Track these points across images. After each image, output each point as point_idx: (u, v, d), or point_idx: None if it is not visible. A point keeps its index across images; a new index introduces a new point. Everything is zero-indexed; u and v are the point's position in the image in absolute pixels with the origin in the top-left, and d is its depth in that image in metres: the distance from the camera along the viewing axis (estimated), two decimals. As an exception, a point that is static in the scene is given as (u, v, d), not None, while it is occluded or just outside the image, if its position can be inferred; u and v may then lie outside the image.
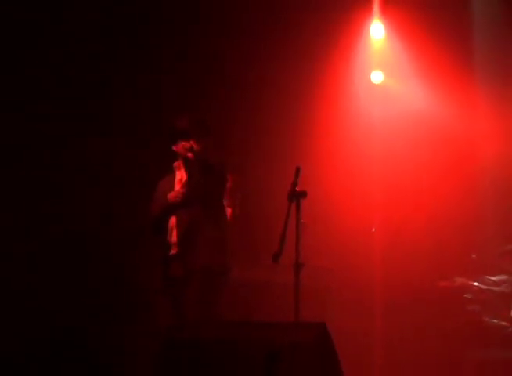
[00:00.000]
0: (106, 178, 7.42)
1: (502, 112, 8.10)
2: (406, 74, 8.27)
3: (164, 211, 5.59)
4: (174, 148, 5.64)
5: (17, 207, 7.09)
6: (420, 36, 7.95)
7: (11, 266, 6.85)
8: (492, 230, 7.92)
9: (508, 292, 7.45)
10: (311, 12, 7.87)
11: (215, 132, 5.87)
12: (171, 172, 5.78)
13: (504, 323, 7.39)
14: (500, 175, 8.01)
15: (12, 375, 5.98)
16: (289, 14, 7.89)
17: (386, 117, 8.17)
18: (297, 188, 5.08)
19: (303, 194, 5.07)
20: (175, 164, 5.72)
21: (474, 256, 7.68)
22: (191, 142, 5.54)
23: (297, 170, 5.11)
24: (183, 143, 5.56)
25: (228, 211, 6.49)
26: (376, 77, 8.25)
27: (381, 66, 8.24)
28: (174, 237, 5.56)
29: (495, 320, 7.44)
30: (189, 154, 5.54)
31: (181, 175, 5.68)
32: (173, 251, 5.56)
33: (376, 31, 8.24)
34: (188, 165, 5.57)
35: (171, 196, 5.57)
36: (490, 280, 7.57)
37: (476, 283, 7.55)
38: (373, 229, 7.93)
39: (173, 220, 5.57)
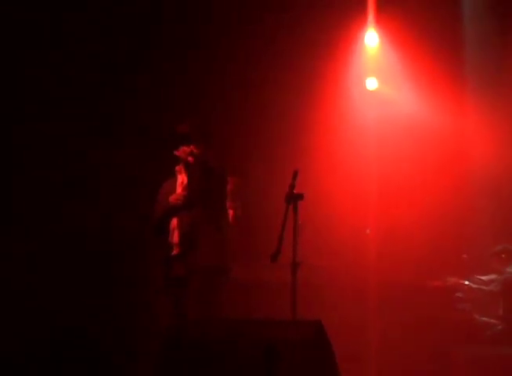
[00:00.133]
0: (105, 178, 7.35)
1: (490, 116, 8.13)
2: (399, 81, 8.29)
3: (166, 213, 5.59)
4: (175, 152, 5.65)
5: (17, 208, 7.02)
6: (412, 44, 7.98)
7: (11, 266, 6.77)
8: (482, 232, 7.92)
9: (497, 291, 7.44)
10: (310, 22, 7.88)
11: (216, 136, 5.87)
12: (173, 176, 5.79)
13: (494, 320, 7.38)
14: (489, 178, 8.04)
15: (12, 375, 5.87)
16: (287, 24, 7.89)
17: (380, 121, 8.18)
18: (294, 191, 5.08)
19: (300, 197, 5.08)
20: (177, 167, 5.73)
21: (465, 256, 7.67)
22: (191, 146, 5.55)
23: (295, 173, 5.12)
24: (184, 148, 5.57)
25: (230, 212, 6.49)
26: (371, 83, 8.26)
27: (376, 73, 8.26)
28: (175, 238, 5.56)
29: (485, 318, 7.44)
30: (190, 158, 5.55)
31: (182, 179, 5.69)
32: (175, 252, 5.56)
33: (371, 40, 8.25)
34: (188, 169, 5.58)
35: (172, 198, 5.58)
36: (480, 279, 7.57)
37: (467, 283, 7.55)
38: (368, 231, 7.93)
39: (174, 222, 5.57)
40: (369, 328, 7.61)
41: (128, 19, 7.56)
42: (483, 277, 7.58)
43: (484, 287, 7.52)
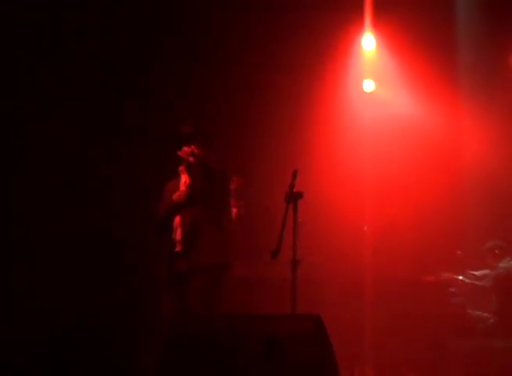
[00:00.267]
0: (105, 178, 7.27)
1: (482, 117, 8.14)
2: (396, 83, 8.30)
3: (169, 211, 5.61)
4: (178, 153, 5.66)
5: (19, 208, 6.94)
6: (408, 48, 7.98)
7: (11, 266, 6.69)
8: (475, 228, 7.92)
9: (489, 286, 7.45)
10: (310, 26, 7.88)
11: (219, 137, 5.86)
12: (177, 176, 5.79)
13: (486, 314, 7.40)
14: (482, 176, 8.04)
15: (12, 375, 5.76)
16: (288, 29, 7.90)
17: (377, 122, 8.17)
18: (294, 190, 5.08)
19: (300, 195, 5.08)
20: (180, 168, 5.74)
21: (458, 252, 7.68)
22: (192, 147, 5.56)
23: (295, 173, 5.12)
24: (185, 148, 5.59)
25: (234, 211, 6.50)
26: (368, 85, 8.25)
27: (372, 75, 8.25)
28: (178, 235, 5.57)
29: (477, 312, 7.45)
30: (191, 158, 5.56)
31: (185, 178, 5.70)
32: (178, 248, 5.57)
33: (368, 43, 8.24)
34: (189, 169, 5.59)
35: (175, 196, 5.60)
36: (473, 274, 7.58)
37: (460, 278, 7.55)
38: (366, 228, 7.93)
39: (177, 219, 5.58)
40: (366, 322, 7.62)
41: (131, 20, 7.47)
42: (476, 272, 7.59)
43: (477, 282, 7.53)
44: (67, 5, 7.22)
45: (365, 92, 8.25)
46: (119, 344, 5.95)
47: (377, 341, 7.53)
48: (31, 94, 7.05)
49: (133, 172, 7.31)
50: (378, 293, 7.65)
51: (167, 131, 7.02)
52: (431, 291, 7.50)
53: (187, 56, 7.82)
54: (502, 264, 7.43)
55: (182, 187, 5.65)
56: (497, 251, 7.47)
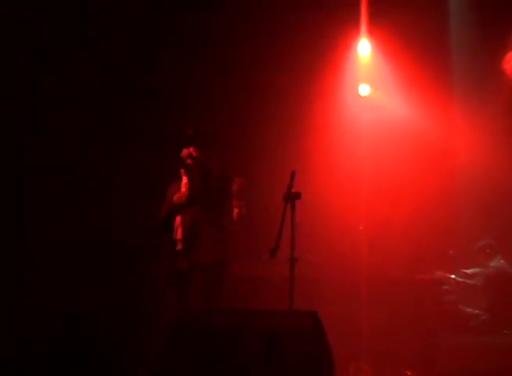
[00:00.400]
0: (105, 178, 7.19)
1: (474, 120, 8.14)
2: (390, 87, 8.31)
3: (170, 212, 5.62)
4: (180, 155, 5.67)
5: (19, 208, 6.85)
6: (402, 53, 7.99)
7: (12, 266, 6.57)
8: (467, 228, 7.93)
9: (481, 284, 7.45)
10: (307, 33, 7.90)
11: (221, 139, 5.86)
12: (179, 178, 5.80)
13: (478, 311, 7.40)
14: (473, 178, 8.04)
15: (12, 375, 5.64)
16: (287, 35, 7.90)
17: (372, 125, 8.19)
18: (292, 190, 5.09)
19: (297, 196, 5.10)
20: (182, 169, 5.74)
21: (451, 252, 7.68)
22: (191, 149, 5.56)
23: (292, 174, 5.14)
24: (185, 150, 5.60)
25: (235, 211, 6.51)
26: (364, 89, 8.27)
27: (368, 80, 8.27)
28: (179, 235, 5.60)
29: (469, 309, 7.45)
30: (189, 160, 5.57)
31: (185, 180, 5.71)
32: (178, 247, 5.58)
33: (364, 49, 8.26)
34: (188, 171, 5.60)
35: (175, 197, 5.61)
36: (465, 272, 7.58)
37: (453, 276, 7.55)
38: (361, 228, 7.93)
39: (178, 219, 5.61)
40: (361, 319, 7.62)
41: (131, 21, 7.37)
42: (468, 271, 7.59)
43: (468, 281, 7.53)
44: (68, 5, 7.13)
45: (361, 96, 8.27)
46: (119, 344, 5.83)
47: (373, 337, 7.53)
48: (31, 94, 6.96)
49: (133, 172, 7.24)
50: (374, 291, 7.65)
51: (167, 132, 7.04)
52: (425, 288, 7.51)
53: (187, 57, 7.77)
54: (493, 263, 7.44)
55: (183, 189, 5.66)
56: (488, 251, 7.48)
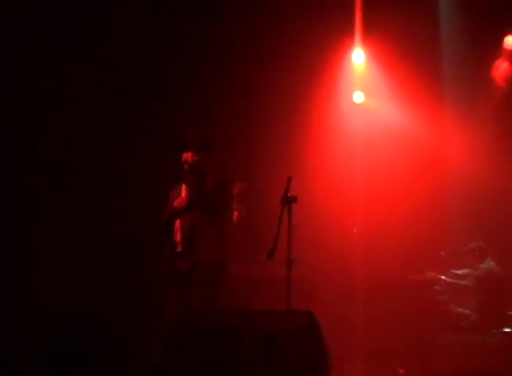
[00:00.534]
0: (105, 178, 7.10)
1: (465, 126, 8.16)
2: (384, 95, 8.33)
3: (171, 215, 5.64)
4: (181, 160, 5.68)
5: (19, 208, 6.73)
6: (395, 62, 8.02)
7: (11, 266, 6.45)
8: (458, 230, 7.94)
9: (471, 285, 7.46)
10: (304, 42, 7.92)
11: (222, 145, 5.84)
12: (182, 181, 5.81)
13: (468, 311, 7.41)
14: (464, 182, 8.05)
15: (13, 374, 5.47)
16: (284, 44, 7.92)
17: (366, 131, 8.21)
18: (288, 194, 5.10)
19: (294, 199, 5.11)
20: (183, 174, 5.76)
21: (442, 253, 7.69)
22: (189, 154, 5.57)
23: (289, 178, 5.16)
24: (184, 155, 5.61)
25: (235, 214, 6.51)
26: (358, 97, 8.29)
27: (362, 87, 8.29)
28: (178, 237, 5.61)
29: (460, 309, 7.46)
30: (185, 166, 5.59)
31: (185, 184, 5.72)
32: (178, 249, 5.60)
33: (358, 58, 8.29)
34: (185, 175, 5.62)
35: (176, 202, 5.64)
36: (456, 273, 7.59)
37: (444, 277, 7.56)
38: (355, 230, 7.94)
39: (178, 222, 5.62)
40: (356, 318, 7.63)
41: (132, 21, 7.26)
42: (458, 272, 7.60)
43: (459, 281, 7.54)
44: (69, 5, 7.01)
45: (356, 104, 8.28)
46: (119, 344, 5.72)
47: (367, 336, 7.55)
48: (31, 94, 6.86)
49: (133, 172, 7.16)
50: (368, 291, 7.67)
51: (167, 132, 7.01)
52: (417, 289, 7.52)
53: (186, 62, 7.74)
54: (483, 264, 7.45)
55: (183, 193, 5.68)
56: (478, 253, 7.49)
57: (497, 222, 7.87)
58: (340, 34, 8.04)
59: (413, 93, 8.06)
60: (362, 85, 8.29)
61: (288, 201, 5.09)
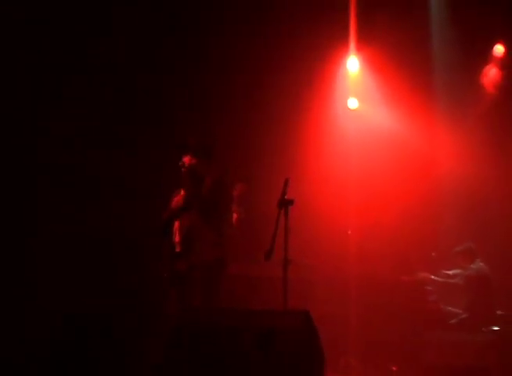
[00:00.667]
0: (105, 178, 7.01)
1: (455, 132, 8.18)
2: (377, 101, 8.33)
3: (170, 216, 5.63)
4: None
5: (20, 208, 6.61)
6: (389, 70, 8.05)
7: (11, 266, 6.35)
8: (449, 233, 7.95)
9: (461, 284, 7.47)
10: (300, 50, 7.93)
11: (222, 150, 5.83)
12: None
13: (458, 310, 7.42)
14: (454, 186, 8.07)
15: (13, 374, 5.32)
16: (282, 53, 7.93)
17: (361, 136, 8.22)
18: (285, 197, 5.10)
19: (290, 202, 5.11)
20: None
21: (433, 254, 7.70)
22: (186, 157, 5.57)
23: (286, 181, 5.15)
24: (183, 159, 5.62)
25: (235, 215, 6.50)
26: (352, 103, 8.30)
27: (356, 94, 8.30)
28: (177, 238, 5.61)
29: (450, 308, 7.47)
30: (183, 169, 5.59)
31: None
32: (177, 249, 5.60)
33: (352, 65, 8.29)
34: (182, 178, 5.62)
35: (173, 202, 5.64)
36: (446, 273, 7.60)
37: (435, 277, 7.57)
38: (349, 232, 7.94)
39: (176, 224, 5.62)
40: (350, 317, 7.63)
41: (133, 25, 7.17)
42: (449, 272, 7.61)
43: (449, 281, 7.55)
44: (70, 6, 6.89)
45: (350, 109, 8.29)
46: (119, 344, 5.61)
47: (361, 334, 7.55)
48: (31, 94, 6.76)
49: (133, 172, 7.10)
50: (362, 291, 7.67)
51: (167, 133, 6.97)
52: (409, 289, 7.53)
53: (187, 68, 7.70)
54: (473, 265, 7.46)
55: (180, 195, 5.68)
56: (467, 254, 7.50)
57: (486, 224, 7.89)
58: (335, 43, 8.06)
59: (405, 99, 8.09)
60: (356, 92, 8.30)
61: (285, 204, 5.08)
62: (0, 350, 5.44)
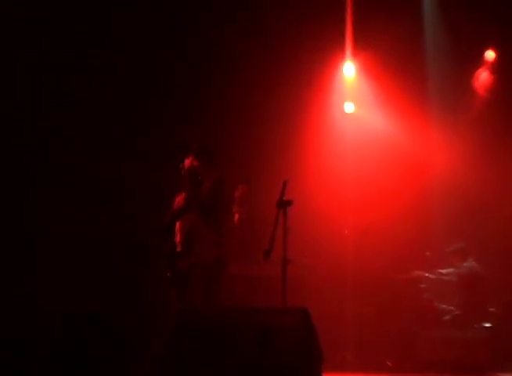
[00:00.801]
0: (105, 178, 6.93)
1: (448, 135, 8.18)
2: (373, 105, 8.34)
3: (172, 217, 5.63)
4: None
5: (20, 209, 6.53)
6: (384, 75, 8.06)
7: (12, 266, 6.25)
8: (442, 233, 7.95)
9: (454, 282, 7.48)
10: (298, 56, 7.93)
11: (224, 152, 5.81)
12: None
13: (451, 307, 7.42)
14: (447, 187, 8.08)
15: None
16: (280, 58, 7.93)
17: (357, 139, 8.23)
18: (284, 198, 5.09)
19: (289, 203, 5.10)
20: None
21: (428, 253, 7.70)
22: (187, 160, 5.57)
23: (285, 183, 5.15)
24: (185, 161, 5.62)
25: (236, 216, 6.48)
26: (349, 107, 8.31)
27: (353, 98, 8.30)
28: (178, 238, 5.61)
29: (443, 305, 7.47)
30: (183, 171, 5.60)
31: (185, 188, 5.72)
32: (178, 249, 5.59)
33: (349, 70, 8.30)
34: (182, 179, 5.62)
35: (175, 204, 5.64)
36: (440, 272, 7.60)
37: (426, 275, 7.57)
38: (346, 232, 7.94)
39: (178, 224, 5.62)
40: (347, 314, 7.63)
41: (134, 26, 7.06)
42: (443, 271, 7.61)
43: (443, 277, 7.54)
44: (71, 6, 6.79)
45: (346, 113, 8.29)
46: (119, 344, 5.37)
47: (357, 331, 7.55)
48: (31, 94, 6.68)
49: (133, 173, 7.04)
50: (358, 289, 7.68)
51: (167, 134, 6.92)
52: (404, 287, 7.54)
53: (187, 76, 7.66)
54: (466, 264, 7.46)
55: (182, 197, 5.68)
56: (460, 253, 7.49)
57: (477, 224, 7.89)
58: (331, 49, 8.07)
59: (400, 103, 8.10)
60: (352, 96, 8.31)
61: (283, 205, 5.08)
62: (0, 350, 5.32)
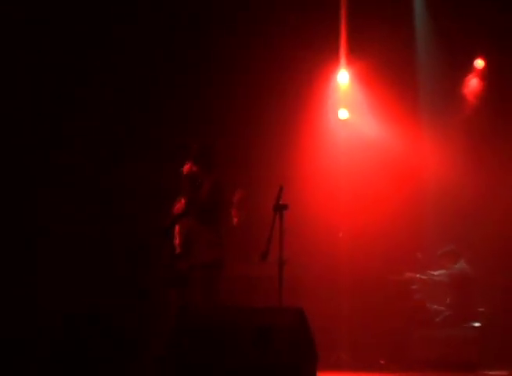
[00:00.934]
0: (105, 178, 6.90)
1: (439, 140, 8.21)
2: (366, 112, 8.36)
3: (172, 220, 5.63)
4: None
5: (20, 209, 6.44)
6: (377, 82, 8.08)
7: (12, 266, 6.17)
8: (434, 235, 7.97)
9: (445, 283, 7.49)
10: (293, 64, 7.95)
11: (223, 157, 5.81)
12: None
13: (442, 307, 7.44)
14: (439, 191, 8.10)
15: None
16: (277, 66, 7.95)
17: (351, 145, 8.24)
18: (280, 202, 5.12)
19: (285, 207, 5.12)
20: None
21: (419, 255, 7.71)
22: (187, 164, 5.56)
23: (281, 187, 5.17)
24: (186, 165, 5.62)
25: (235, 220, 6.46)
26: (343, 114, 8.32)
27: (347, 105, 8.32)
28: (177, 240, 5.61)
29: (435, 306, 7.49)
30: (183, 175, 5.60)
31: (184, 192, 5.72)
32: (177, 251, 5.60)
33: (343, 78, 8.32)
34: (182, 183, 5.62)
35: (175, 208, 5.65)
36: (432, 274, 7.61)
37: (421, 277, 7.58)
38: (340, 234, 7.95)
39: (177, 227, 5.62)
40: (341, 314, 7.64)
41: (135, 27, 6.98)
42: (434, 272, 7.63)
43: (434, 278, 7.56)
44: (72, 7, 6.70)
45: (341, 120, 8.31)
46: (119, 343, 5.30)
47: (351, 330, 7.56)
48: (32, 94, 6.59)
49: (133, 173, 6.99)
50: (352, 289, 7.69)
51: (167, 135, 6.89)
52: (396, 288, 7.56)
53: (186, 82, 7.61)
54: (457, 265, 7.48)
55: (182, 200, 5.68)
56: (451, 255, 7.52)
57: (467, 226, 7.91)
58: (326, 57, 8.09)
59: (392, 110, 8.14)
60: (346, 103, 8.33)
61: (279, 208, 5.10)
62: (0, 350, 5.21)
